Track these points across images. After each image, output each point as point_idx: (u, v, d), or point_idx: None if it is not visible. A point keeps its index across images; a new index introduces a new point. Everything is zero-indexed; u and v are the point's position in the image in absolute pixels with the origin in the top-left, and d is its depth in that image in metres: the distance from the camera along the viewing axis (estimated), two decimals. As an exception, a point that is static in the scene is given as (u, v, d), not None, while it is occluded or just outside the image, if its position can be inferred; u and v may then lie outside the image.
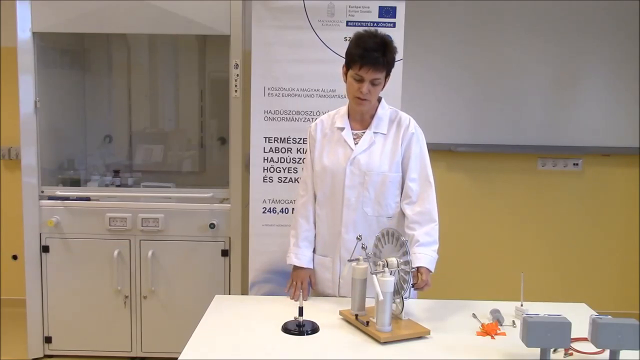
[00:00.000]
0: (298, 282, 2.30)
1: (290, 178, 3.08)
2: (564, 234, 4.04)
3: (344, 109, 2.30)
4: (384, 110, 2.26)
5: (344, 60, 2.20)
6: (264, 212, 3.10)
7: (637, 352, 1.66)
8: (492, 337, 1.92)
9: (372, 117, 2.25)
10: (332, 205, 2.26)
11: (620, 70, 3.88)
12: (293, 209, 2.61)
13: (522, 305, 2.11)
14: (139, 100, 4.04)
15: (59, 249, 3.37)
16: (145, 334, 3.43)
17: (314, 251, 2.35)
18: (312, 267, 2.33)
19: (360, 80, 2.12)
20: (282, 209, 3.09)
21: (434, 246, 2.16)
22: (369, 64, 2.08)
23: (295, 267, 2.32)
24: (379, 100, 2.27)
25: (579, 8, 3.82)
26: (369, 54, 2.08)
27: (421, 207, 2.20)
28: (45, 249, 3.36)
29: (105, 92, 4.02)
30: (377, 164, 2.21)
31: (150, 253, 3.35)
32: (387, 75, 2.16)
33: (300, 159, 3.03)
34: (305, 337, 1.91)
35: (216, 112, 3.93)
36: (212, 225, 3.32)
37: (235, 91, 3.27)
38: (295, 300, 2.21)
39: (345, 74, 2.19)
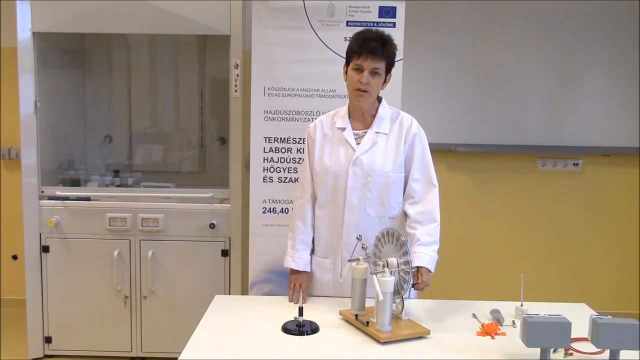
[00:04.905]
0: (296, 284, 2.29)
1: (290, 178, 3.08)
2: (564, 234, 4.04)
3: (344, 109, 2.30)
4: (385, 110, 2.26)
5: (345, 59, 2.20)
6: (264, 212, 3.10)
7: (637, 352, 1.66)
8: (492, 337, 1.92)
9: (373, 117, 2.25)
10: (333, 206, 2.25)
11: (621, 70, 3.88)
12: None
13: (522, 305, 2.11)
14: (139, 100, 4.04)
15: (59, 249, 3.37)
16: (145, 334, 3.43)
17: (313, 253, 2.35)
18: (309, 270, 2.32)
19: (360, 70, 2.12)
20: (282, 209, 3.09)
21: (435, 246, 2.15)
22: (367, 52, 2.10)
23: (293, 271, 2.32)
24: (380, 100, 2.27)
25: (579, 8, 3.81)
26: (368, 43, 2.11)
27: (423, 207, 2.20)
28: (45, 249, 3.36)
29: (105, 92, 4.02)
30: (380, 164, 2.20)
31: (150, 253, 3.35)
32: (388, 70, 2.16)
33: (300, 159, 3.03)
34: (305, 337, 1.91)
35: (216, 112, 3.93)
36: (212, 225, 3.32)
37: (235, 91, 3.27)
38: (295, 303, 2.21)
39: (346, 72, 2.20)
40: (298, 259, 2.30)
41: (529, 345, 1.65)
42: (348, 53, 2.18)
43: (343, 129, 2.25)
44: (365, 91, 2.14)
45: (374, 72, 2.12)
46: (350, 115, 2.27)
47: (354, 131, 2.25)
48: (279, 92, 3.06)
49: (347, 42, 2.20)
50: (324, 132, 2.30)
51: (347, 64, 2.19)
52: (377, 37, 2.13)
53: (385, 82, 2.19)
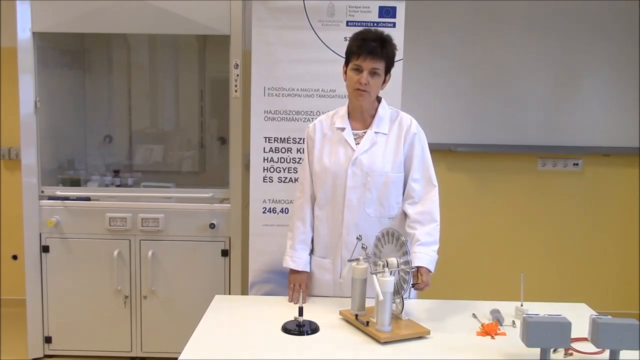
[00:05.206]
0: (296, 284, 2.29)
1: (290, 178, 3.08)
2: (564, 234, 4.04)
3: (343, 109, 2.30)
4: (385, 110, 2.26)
5: (344, 59, 2.21)
6: (263, 212, 3.10)
7: (637, 352, 1.66)
8: (492, 337, 1.92)
9: (373, 117, 2.25)
10: (332, 206, 2.25)
11: (621, 70, 3.88)
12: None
13: (522, 305, 2.11)
14: (139, 100, 4.04)
15: (59, 249, 3.37)
16: (145, 334, 3.43)
17: (312, 253, 2.34)
18: (308, 270, 2.32)
19: (359, 71, 2.13)
20: (282, 209, 3.09)
21: (435, 246, 2.16)
22: (366, 53, 2.10)
23: (292, 271, 2.32)
24: (379, 100, 2.27)
25: (579, 8, 3.82)
26: (367, 43, 2.11)
27: (423, 207, 2.20)
28: (45, 249, 3.36)
29: (105, 92, 4.02)
30: (379, 164, 2.20)
31: (150, 253, 3.35)
32: (387, 70, 2.17)
33: (301, 159, 3.03)
34: (305, 337, 1.91)
35: (216, 112, 3.93)
36: (212, 225, 3.32)
37: (235, 91, 3.27)
38: (295, 303, 2.21)
39: (345, 72, 2.20)
40: (297, 259, 2.30)
41: (529, 345, 1.65)
42: (347, 53, 2.18)
43: (342, 129, 2.25)
44: (364, 91, 2.14)
45: (373, 72, 2.13)
46: (350, 115, 2.28)
47: (354, 131, 2.25)
48: (279, 92, 3.06)
49: (347, 42, 2.20)
50: (324, 132, 2.30)
51: (347, 64, 2.19)
52: (376, 37, 2.13)
53: (384, 82, 2.19)
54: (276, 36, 3.02)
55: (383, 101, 2.28)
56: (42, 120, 3.38)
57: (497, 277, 3.87)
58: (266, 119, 3.07)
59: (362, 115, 2.25)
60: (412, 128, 2.24)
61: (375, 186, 2.20)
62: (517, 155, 3.97)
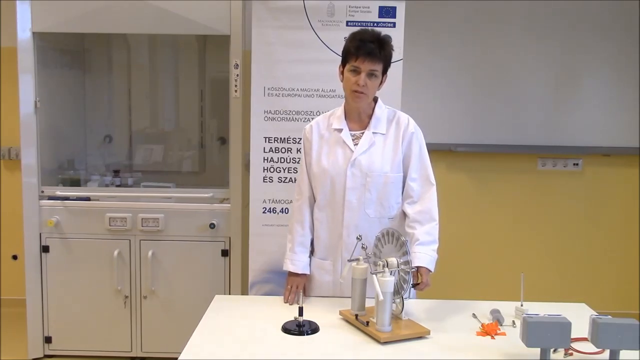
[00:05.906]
0: (293, 286, 2.28)
1: (290, 178, 3.08)
2: (564, 234, 4.04)
3: (339, 110, 2.29)
4: (382, 110, 2.25)
5: (341, 59, 2.19)
6: (263, 212, 3.10)
7: (637, 352, 1.66)
8: (492, 337, 1.92)
9: (370, 117, 2.24)
10: (332, 207, 2.25)
11: (621, 70, 3.88)
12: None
13: (522, 305, 2.11)
14: (139, 100, 4.04)
15: (59, 249, 3.37)
16: (145, 334, 3.43)
17: (312, 254, 2.34)
18: (307, 272, 2.32)
19: (357, 72, 2.11)
20: (282, 209, 3.09)
21: (434, 245, 2.15)
22: (365, 54, 2.09)
23: (291, 273, 2.31)
24: (376, 100, 2.26)
25: (579, 8, 3.82)
26: (365, 45, 2.09)
27: (422, 207, 2.20)
28: (45, 249, 3.36)
29: (105, 92, 4.02)
30: (378, 164, 2.20)
31: (150, 253, 3.35)
32: (384, 71, 2.16)
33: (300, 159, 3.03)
34: (305, 337, 1.91)
35: (216, 112, 3.93)
36: (212, 225, 3.32)
37: (235, 91, 3.27)
38: (290, 304, 2.21)
39: (342, 73, 2.19)
40: (297, 262, 2.30)
41: (529, 345, 1.65)
42: (344, 54, 2.17)
43: (340, 130, 2.24)
44: (362, 93, 2.14)
45: (371, 74, 2.11)
46: (347, 116, 2.27)
47: (351, 132, 2.24)
48: (279, 92, 3.06)
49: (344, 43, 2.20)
50: (321, 133, 2.29)
51: (343, 64, 2.18)
52: (374, 38, 2.12)
53: (381, 82, 2.19)
54: (276, 36, 3.02)
55: (380, 101, 2.27)
56: (42, 120, 3.38)
57: (497, 277, 3.87)
58: (266, 119, 3.07)
59: (359, 116, 2.25)
60: (410, 127, 2.23)
61: (375, 187, 2.20)
62: (517, 155, 3.97)
